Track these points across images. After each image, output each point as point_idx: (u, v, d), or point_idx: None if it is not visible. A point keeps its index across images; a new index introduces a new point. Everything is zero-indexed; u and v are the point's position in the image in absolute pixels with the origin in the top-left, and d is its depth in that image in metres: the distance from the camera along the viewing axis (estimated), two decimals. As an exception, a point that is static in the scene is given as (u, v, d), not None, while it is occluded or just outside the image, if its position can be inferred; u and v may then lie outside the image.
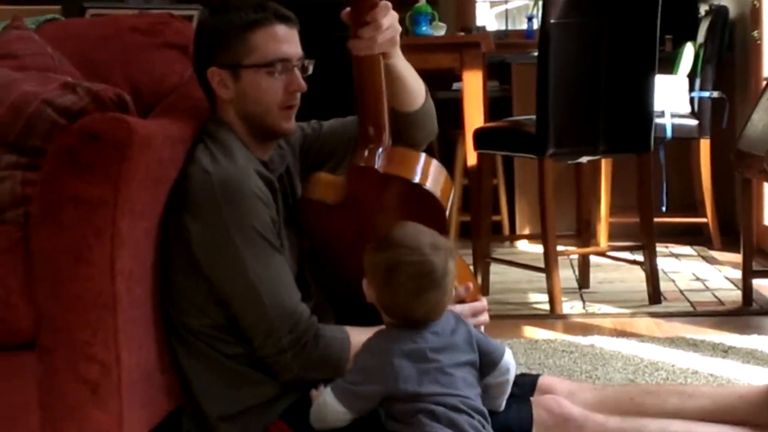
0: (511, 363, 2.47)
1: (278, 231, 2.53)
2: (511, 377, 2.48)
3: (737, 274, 4.80)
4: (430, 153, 2.66)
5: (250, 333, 2.49)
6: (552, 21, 4.34)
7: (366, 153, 2.54)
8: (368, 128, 2.55)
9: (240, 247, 2.44)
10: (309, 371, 2.47)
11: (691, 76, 5.84)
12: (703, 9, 6.40)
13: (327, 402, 2.35)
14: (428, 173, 2.58)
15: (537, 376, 2.76)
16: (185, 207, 2.48)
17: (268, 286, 2.45)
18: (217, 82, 2.56)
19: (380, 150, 2.55)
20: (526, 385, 2.71)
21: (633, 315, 4.39)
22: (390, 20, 2.51)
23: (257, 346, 2.48)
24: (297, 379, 2.49)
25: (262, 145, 2.61)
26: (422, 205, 2.55)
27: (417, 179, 2.55)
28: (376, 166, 2.53)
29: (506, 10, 8.25)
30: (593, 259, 5.10)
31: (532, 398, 2.60)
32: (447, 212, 2.60)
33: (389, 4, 2.51)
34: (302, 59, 2.59)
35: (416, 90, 2.68)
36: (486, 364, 2.43)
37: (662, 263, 5.14)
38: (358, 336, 2.49)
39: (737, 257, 4.74)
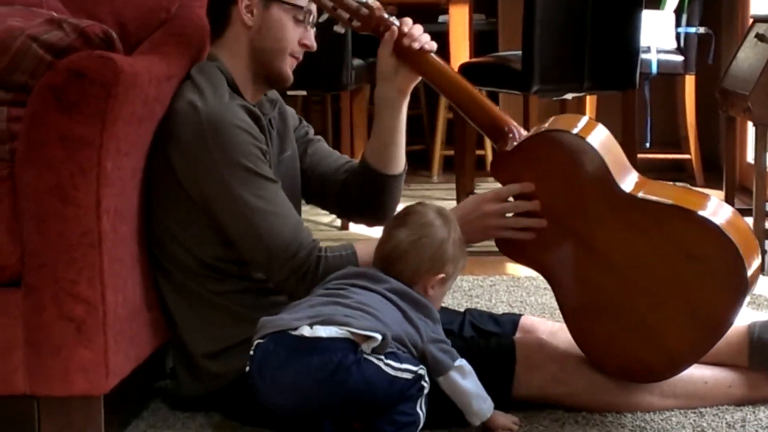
0: (450, 388, 2.38)
1: (269, 165, 2.54)
2: (458, 398, 2.38)
3: (719, 211, 4.81)
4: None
5: (252, 265, 2.52)
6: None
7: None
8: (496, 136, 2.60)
9: (231, 183, 2.46)
10: None
11: (678, 12, 5.81)
12: (690, -57, 6.37)
13: None
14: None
15: (519, 315, 2.79)
16: (172, 143, 2.49)
17: (261, 218, 2.47)
18: (245, 5, 2.57)
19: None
20: (508, 323, 2.73)
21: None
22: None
23: (267, 277, 2.52)
24: None
25: (254, 86, 2.62)
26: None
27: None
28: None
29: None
30: (577, 195, 5.09)
31: (514, 337, 2.63)
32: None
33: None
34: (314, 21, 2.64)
35: (402, 154, 2.73)
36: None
37: (645, 200, 5.14)
38: (369, 247, 2.52)
39: (720, 194, 4.75)
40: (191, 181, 2.49)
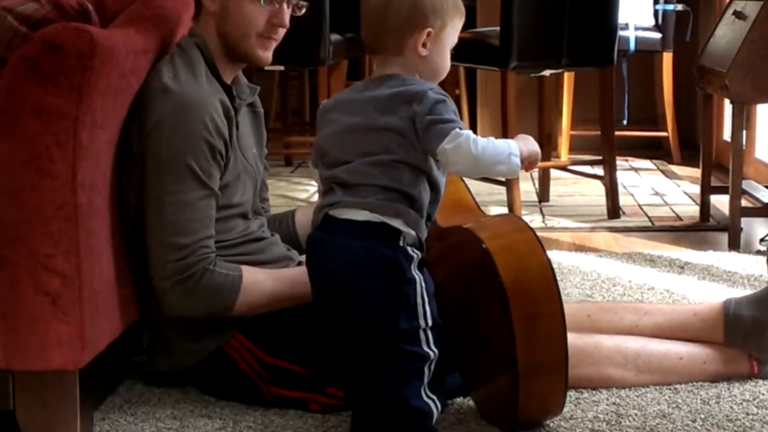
0: (445, 159, 2.26)
1: (225, 161, 2.53)
2: (473, 168, 2.26)
3: (696, 188, 4.84)
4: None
5: (148, 250, 2.50)
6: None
7: None
8: None
9: (165, 169, 2.46)
10: (190, 304, 2.47)
11: (656, -11, 5.83)
12: None
13: None
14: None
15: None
16: (136, 116, 2.49)
17: (170, 209, 2.46)
18: None
19: None
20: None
21: (592, 229, 4.42)
22: None
23: (147, 267, 2.50)
24: (178, 311, 2.49)
25: (230, 65, 2.60)
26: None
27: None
28: None
29: None
30: (553, 172, 5.11)
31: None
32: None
33: None
34: None
35: None
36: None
37: (622, 177, 5.16)
38: (258, 275, 2.51)
39: (696, 171, 4.78)
40: (138, 154, 2.48)
